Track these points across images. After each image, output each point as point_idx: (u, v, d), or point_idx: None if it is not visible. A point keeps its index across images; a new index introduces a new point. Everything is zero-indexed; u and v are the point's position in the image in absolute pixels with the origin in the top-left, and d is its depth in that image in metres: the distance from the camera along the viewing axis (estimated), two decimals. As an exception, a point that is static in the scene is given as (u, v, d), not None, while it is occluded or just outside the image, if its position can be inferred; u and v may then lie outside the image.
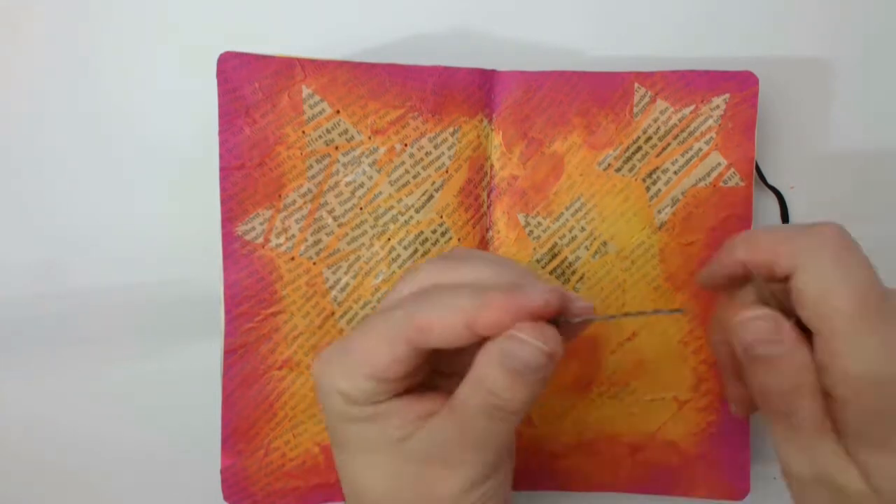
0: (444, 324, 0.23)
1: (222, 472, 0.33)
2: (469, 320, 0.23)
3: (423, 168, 0.33)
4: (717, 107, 0.33)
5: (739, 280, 0.28)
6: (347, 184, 0.33)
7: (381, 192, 0.33)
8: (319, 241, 0.33)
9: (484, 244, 0.34)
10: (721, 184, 0.34)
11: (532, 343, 0.23)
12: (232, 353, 0.33)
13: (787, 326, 0.25)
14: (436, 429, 0.24)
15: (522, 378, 0.23)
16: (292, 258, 0.33)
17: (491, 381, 0.23)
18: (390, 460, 0.24)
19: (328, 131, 0.33)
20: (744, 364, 0.26)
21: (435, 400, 0.25)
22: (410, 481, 0.24)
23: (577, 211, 0.34)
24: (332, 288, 0.33)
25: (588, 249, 0.34)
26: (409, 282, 0.26)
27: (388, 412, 0.24)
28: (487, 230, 0.34)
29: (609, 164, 0.34)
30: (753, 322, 0.25)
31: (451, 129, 0.33)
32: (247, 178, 0.32)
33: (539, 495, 0.36)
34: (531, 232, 0.34)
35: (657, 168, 0.34)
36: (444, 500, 0.24)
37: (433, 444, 0.24)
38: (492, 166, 0.34)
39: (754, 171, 0.34)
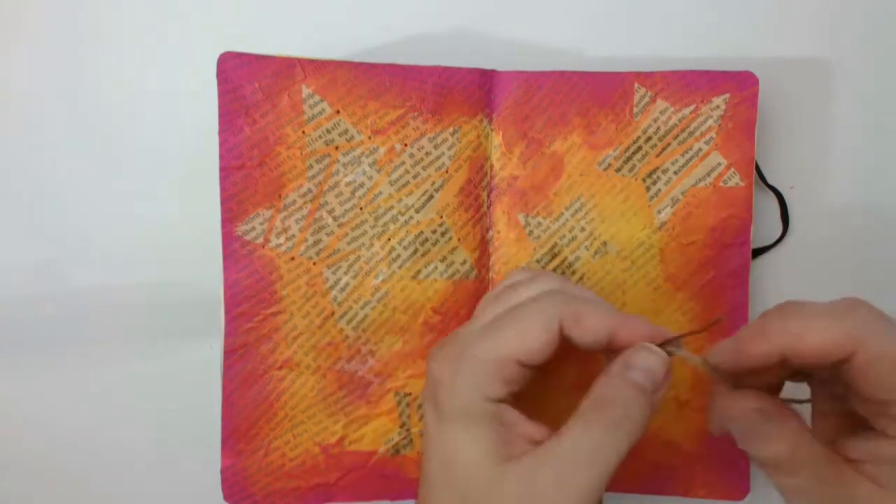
0: (595, 320, 0.26)
1: (222, 472, 0.33)
2: (615, 326, 0.26)
3: (423, 168, 0.33)
4: (717, 107, 0.33)
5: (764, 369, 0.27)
6: (347, 184, 0.33)
7: (381, 192, 0.33)
8: (319, 241, 0.33)
9: (484, 244, 0.34)
10: (721, 184, 0.34)
11: (658, 352, 0.26)
12: (232, 353, 0.33)
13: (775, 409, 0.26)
14: (551, 451, 0.25)
15: (645, 393, 0.25)
16: (292, 258, 0.33)
17: (616, 395, 0.25)
18: (486, 479, 0.25)
19: (328, 131, 0.33)
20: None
21: (540, 428, 0.26)
22: (499, 500, 0.25)
23: (577, 211, 0.34)
24: (332, 288, 0.33)
25: (588, 249, 0.34)
26: (528, 285, 0.28)
27: (509, 422, 0.26)
28: (487, 230, 0.34)
29: (609, 164, 0.34)
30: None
31: (451, 129, 0.33)
32: (247, 178, 0.32)
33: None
34: (531, 232, 0.34)
35: (657, 168, 0.34)
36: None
37: (546, 465, 0.25)
38: (492, 166, 0.34)
39: (754, 171, 0.34)
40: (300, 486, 0.34)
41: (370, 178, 0.33)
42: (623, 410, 0.25)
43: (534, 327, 0.26)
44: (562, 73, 0.33)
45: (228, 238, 0.32)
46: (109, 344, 0.35)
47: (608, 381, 0.26)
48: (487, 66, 0.33)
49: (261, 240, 0.33)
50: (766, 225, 0.36)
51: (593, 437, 0.24)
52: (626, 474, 0.35)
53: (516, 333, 0.26)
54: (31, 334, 0.35)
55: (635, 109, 0.33)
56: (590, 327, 0.26)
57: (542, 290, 0.28)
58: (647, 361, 0.26)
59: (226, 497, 0.33)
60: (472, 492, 0.25)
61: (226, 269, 0.32)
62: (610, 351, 0.27)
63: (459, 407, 0.26)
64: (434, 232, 0.33)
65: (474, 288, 0.34)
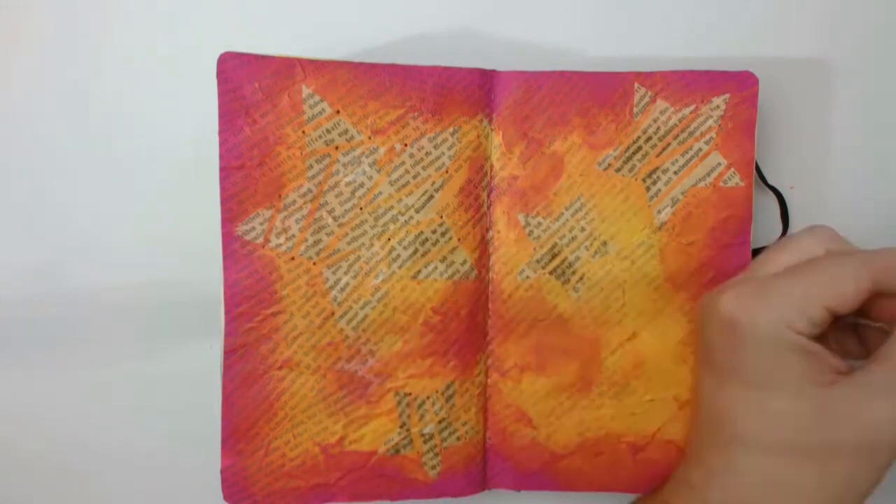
0: None
1: (222, 472, 0.33)
2: None
3: (423, 168, 0.33)
4: (717, 107, 0.33)
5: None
6: (347, 184, 0.33)
7: (381, 192, 0.33)
8: (319, 241, 0.33)
9: (484, 244, 0.34)
10: (721, 184, 0.34)
11: None
12: (232, 353, 0.33)
13: None
14: (875, 373, 0.26)
15: None
16: (292, 258, 0.33)
17: None
18: (809, 402, 0.26)
19: (328, 131, 0.33)
20: None
21: (842, 362, 0.27)
22: (830, 422, 0.26)
23: (577, 211, 0.34)
24: (332, 288, 0.33)
25: (588, 249, 0.34)
26: (800, 249, 0.29)
27: (818, 353, 0.27)
28: (487, 230, 0.34)
29: (609, 164, 0.34)
30: None
31: (451, 129, 0.33)
32: (247, 178, 0.32)
33: (540, 496, 0.36)
34: (531, 232, 0.34)
35: (657, 168, 0.34)
36: (877, 428, 0.26)
37: (875, 383, 0.26)
38: (492, 166, 0.34)
39: (754, 171, 0.34)
40: (300, 486, 0.34)
41: (370, 178, 0.33)
42: None
43: (847, 277, 0.26)
44: (562, 73, 0.33)
45: (228, 238, 0.32)
46: (109, 344, 0.36)
47: None
48: (487, 66, 0.33)
49: (261, 240, 0.33)
50: (766, 225, 0.36)
51: None
52: (628, 475, 0.35)
53: (830, 279, 0.27)
54: (31, 334, 0.35)
55: (635, 109, 0.33)
56: None
57: (830, 248, 0.28)
58: None
59: (226, 497, 0.33)
60: (792, 419, 0.26)
61: (226, 269, 0.32)
62: None
63: (766, 336, 0.26)
64: (434, 232, 0.33)
65: (474, 288, 0.34)
